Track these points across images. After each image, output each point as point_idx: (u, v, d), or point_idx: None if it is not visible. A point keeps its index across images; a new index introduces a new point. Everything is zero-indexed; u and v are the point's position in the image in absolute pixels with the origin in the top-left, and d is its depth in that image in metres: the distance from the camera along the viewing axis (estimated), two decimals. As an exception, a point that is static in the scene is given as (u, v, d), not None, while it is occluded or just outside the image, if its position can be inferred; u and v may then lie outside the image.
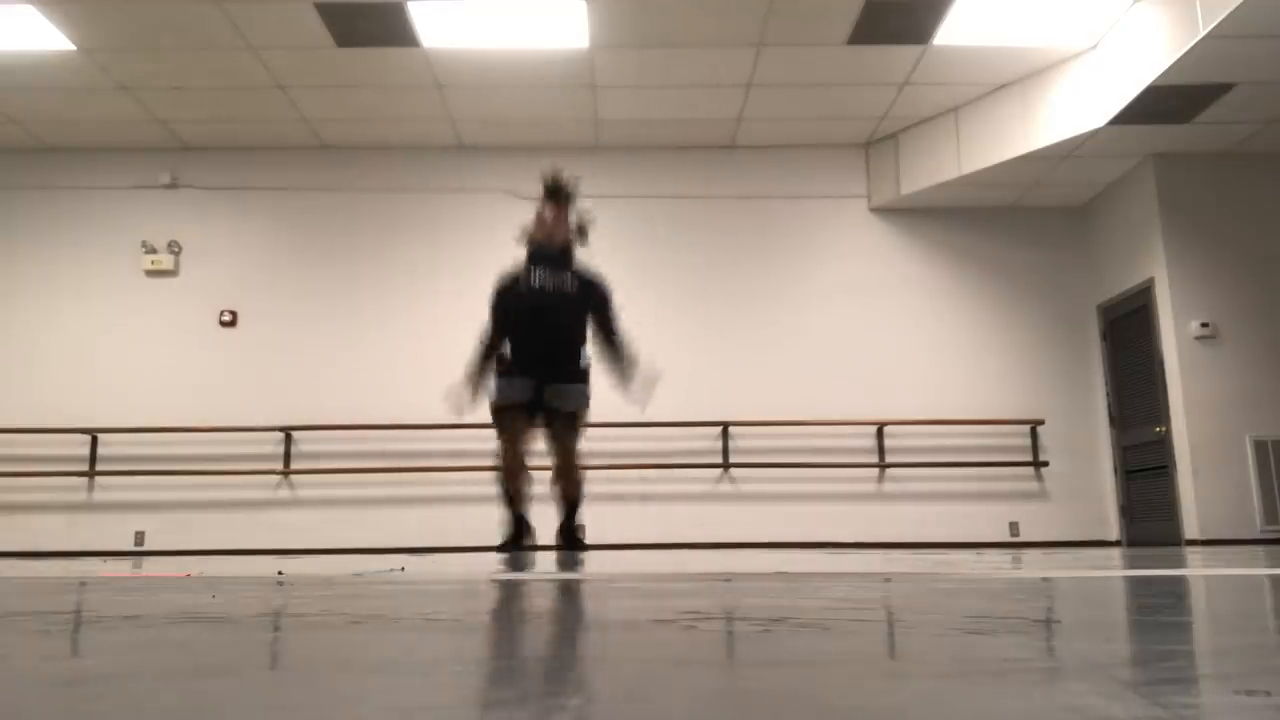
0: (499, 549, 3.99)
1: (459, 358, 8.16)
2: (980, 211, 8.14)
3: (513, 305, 4.02)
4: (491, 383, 4.02)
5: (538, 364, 3.93)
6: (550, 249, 3.99)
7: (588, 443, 7.70)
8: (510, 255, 4.37)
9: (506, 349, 4.01)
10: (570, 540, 4.18)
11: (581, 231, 4.10)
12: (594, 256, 4.40)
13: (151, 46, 6.53)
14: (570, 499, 4.12)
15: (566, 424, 3.98)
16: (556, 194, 4.05)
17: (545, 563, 5.36)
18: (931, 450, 7.70)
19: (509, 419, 3.96)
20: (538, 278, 3.96)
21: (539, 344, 3.95)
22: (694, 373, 7.73)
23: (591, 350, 4.11)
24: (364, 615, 2.15)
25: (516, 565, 3.73)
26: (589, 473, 7.59)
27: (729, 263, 7.98)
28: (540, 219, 4.01)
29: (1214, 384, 6.99)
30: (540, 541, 4.37)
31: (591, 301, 4.03)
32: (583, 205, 4.16)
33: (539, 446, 4.15)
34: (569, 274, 3.99)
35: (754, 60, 6.76)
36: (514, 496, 4.02)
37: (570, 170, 4.19)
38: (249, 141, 8.01)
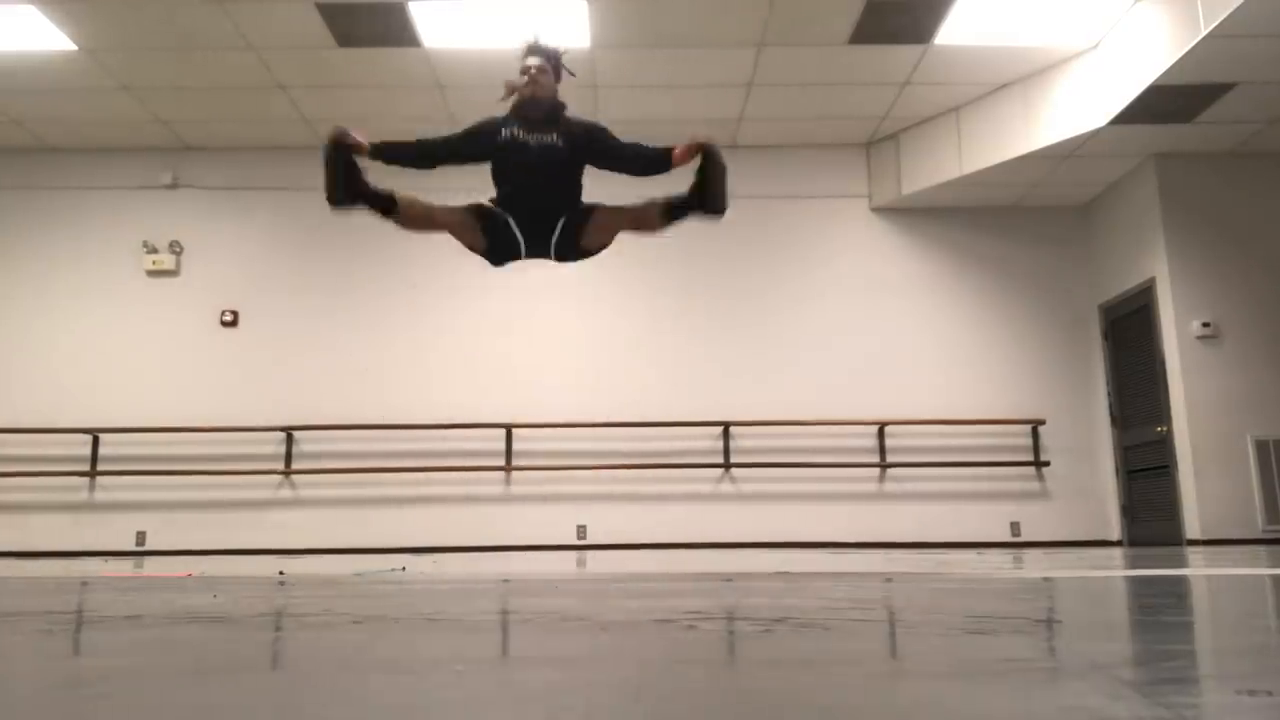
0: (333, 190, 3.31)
1: (460, 358, 8.24)
2: (981, 211, 8.14)
3: (491, 155, 3.57)
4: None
5: (528, 224, 3.54)
6: (537, 107, 3.58)
7: (587, 442, 7.79)
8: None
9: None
10: (713, 197, 3.72)
11: (557, 74, 3.76)
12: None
13: (153, 47, 6.54)
14: (665, 203, 3.71)
15: (593, 214, 3.56)
16: (540, 49, 3.67)
17: (546, 562, 5.37)
18: (933, 450, 7.70)
19: (473, 208, 3.48)
20: (520, 133, 3.54)
21: (527, 205, 3.54)
22: (695, 373, 7.74)
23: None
24: (364, 615, 2.15)
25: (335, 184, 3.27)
26: (588, 473, 7.70)
27: (730, 262, 7.97)
28: (525, 72, 3.61)
29: (1215, 383, 6.98)
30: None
31: (588, 146, 3.61)
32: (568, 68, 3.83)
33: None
34: (555, 132, 3.57)
35: (755, 60, 6.76)
36: (385, 198, 3.38)
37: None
38: (250, 141, 8.01)
